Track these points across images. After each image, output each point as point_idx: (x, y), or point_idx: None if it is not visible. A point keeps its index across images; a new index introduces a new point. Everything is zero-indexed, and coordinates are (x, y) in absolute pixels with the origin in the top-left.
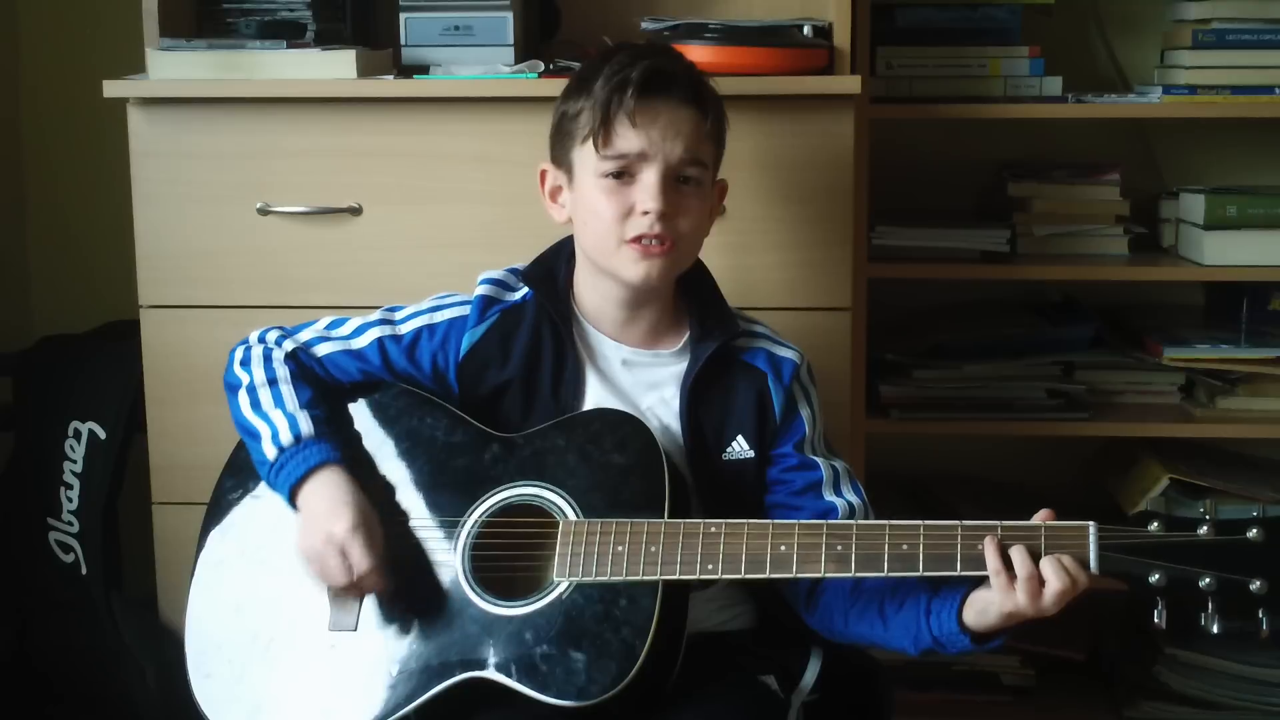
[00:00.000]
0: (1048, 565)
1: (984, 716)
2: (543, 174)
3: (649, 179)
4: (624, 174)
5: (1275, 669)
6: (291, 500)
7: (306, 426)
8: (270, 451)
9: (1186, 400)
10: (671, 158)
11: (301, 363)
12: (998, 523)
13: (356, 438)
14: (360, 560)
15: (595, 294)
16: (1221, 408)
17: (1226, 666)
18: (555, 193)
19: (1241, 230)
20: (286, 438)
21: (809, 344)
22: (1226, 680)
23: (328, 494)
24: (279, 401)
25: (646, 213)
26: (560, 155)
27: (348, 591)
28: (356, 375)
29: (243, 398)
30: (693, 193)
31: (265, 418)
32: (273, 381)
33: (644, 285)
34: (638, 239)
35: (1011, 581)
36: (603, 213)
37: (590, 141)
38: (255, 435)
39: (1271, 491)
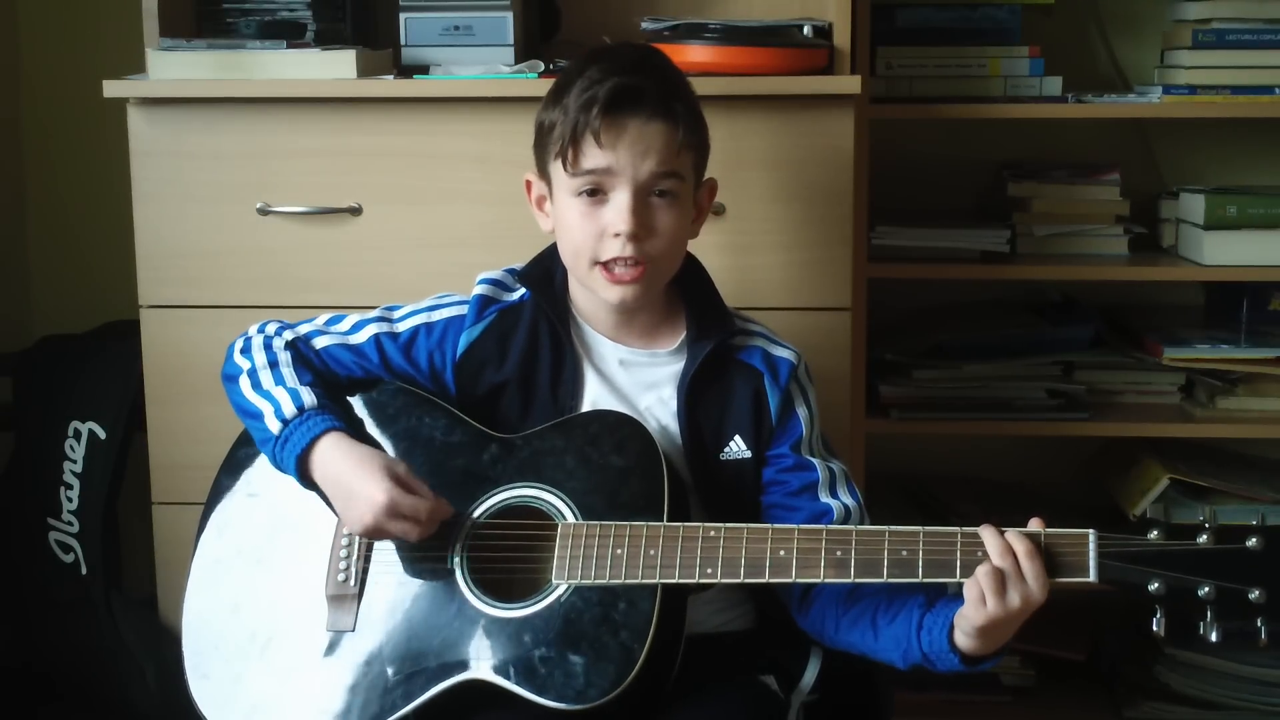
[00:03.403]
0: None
1: (984, 716)
2: (528, 184)
3: (619, 200)
4: (596, 191)
5: (1275, 669)
6: (301, 474)
7: (310, 398)
8: (274, 426)
9: (1186, 400)
10: (641, 175)
11: (300, 352)
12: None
13: (356, 425)
14: (416, 509)
15: (588, 298)
16: (1221, 408)
17: (1226, 667)
18: (540, 202)
19: (1241, 230)
20: (290, 410)
21: (809, 344)
22: (1226, 680)
23: (344, 463)
24: (280, 380)
25: (618, 235)
26: (541, 167)
27: (427, 533)
28: (354, 370)
29: (244, 381)
30: (667, 206)
31: (267, 395)
32: (274, 364)
33: (621, 308)
34: (611, 262)
35: (982, 597)
36: (576, 232)
37: (560, 157)
38: (258, 415)
39: (1272, 492)
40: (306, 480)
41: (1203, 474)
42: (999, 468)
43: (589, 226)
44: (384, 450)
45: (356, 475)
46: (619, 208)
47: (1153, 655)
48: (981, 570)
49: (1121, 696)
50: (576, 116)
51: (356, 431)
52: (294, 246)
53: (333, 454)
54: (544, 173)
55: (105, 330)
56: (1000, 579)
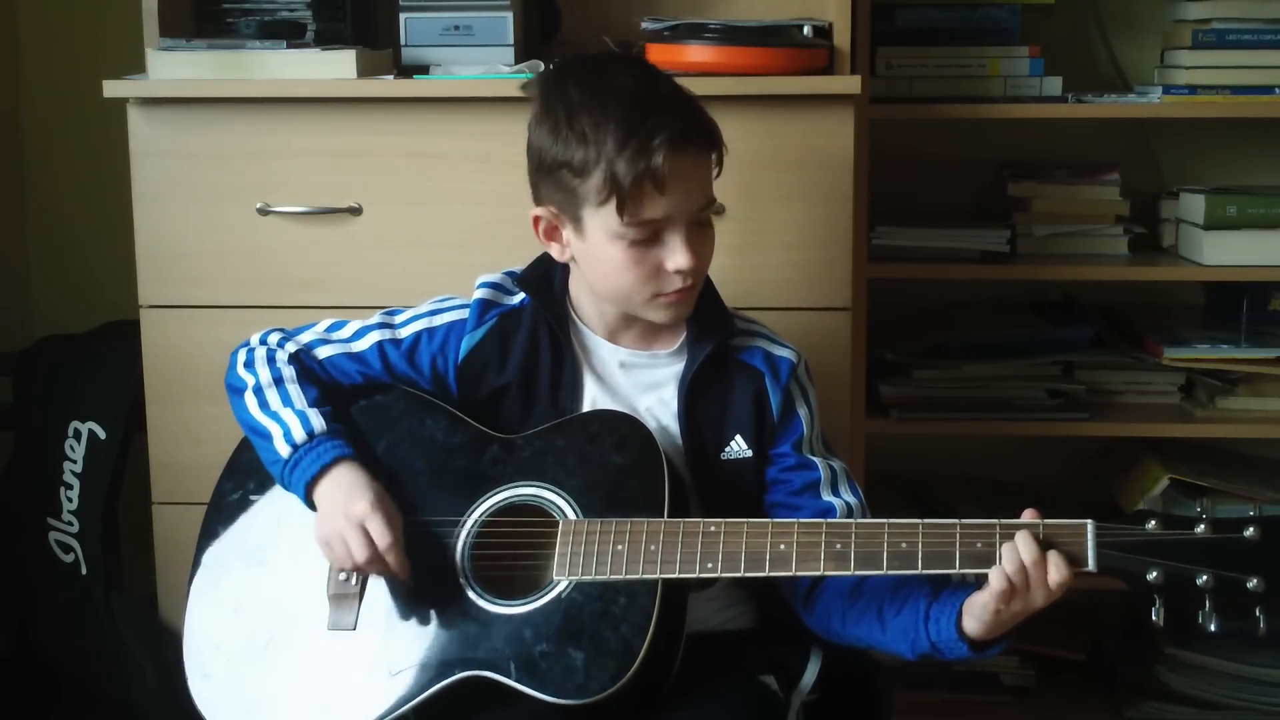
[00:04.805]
0: (1051, 556)
1: (984, 716)
2: (536, 219)
3: (675, 239)
4: (651, 235)
5: (1275, 669)
6: (307, 497)
7: (319, 423)
8: (283, 450)
9: (1186, 400)
10: (692, 209)
11: (304, 364)
12: (996, 521)
13: (359, 436)
14: (381, 534)
15: (594, 302)
16: (1221, 408)
17: (1226, 666)
18: (551, 231)
19: (1241, 230)
20: (300, 435)
21: (809, 344)
22: (1226, 680)
23: (344, 484)
24: (287, 400)
25: (678, 271)
26: (561, 204)
27: (371, 568)
28: (357, 378)
29: (250, 399)
30: (707, 228)
31: (275, 417)
32: (279, 381)
33: (672, 325)
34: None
35: (1013, 589)
36: (628, 275)
37: (609, 205)
38: (266, 435)
39: (1271, 491)
40: (311, 503)
41: (1203, 474)
42: (999, 468)
43: (642, 268)
44: (386, 452)
45: (348, 494)
46: (677, 247)
47: (1153, 655)
48: (1010, 567)
49: (1121, 696)
50: (632, 170)
51: (360, 442)
52: (294, 246)
53: (337, 481)
54: (566, 211)
55: (105, 330)
56: (1026, 580)
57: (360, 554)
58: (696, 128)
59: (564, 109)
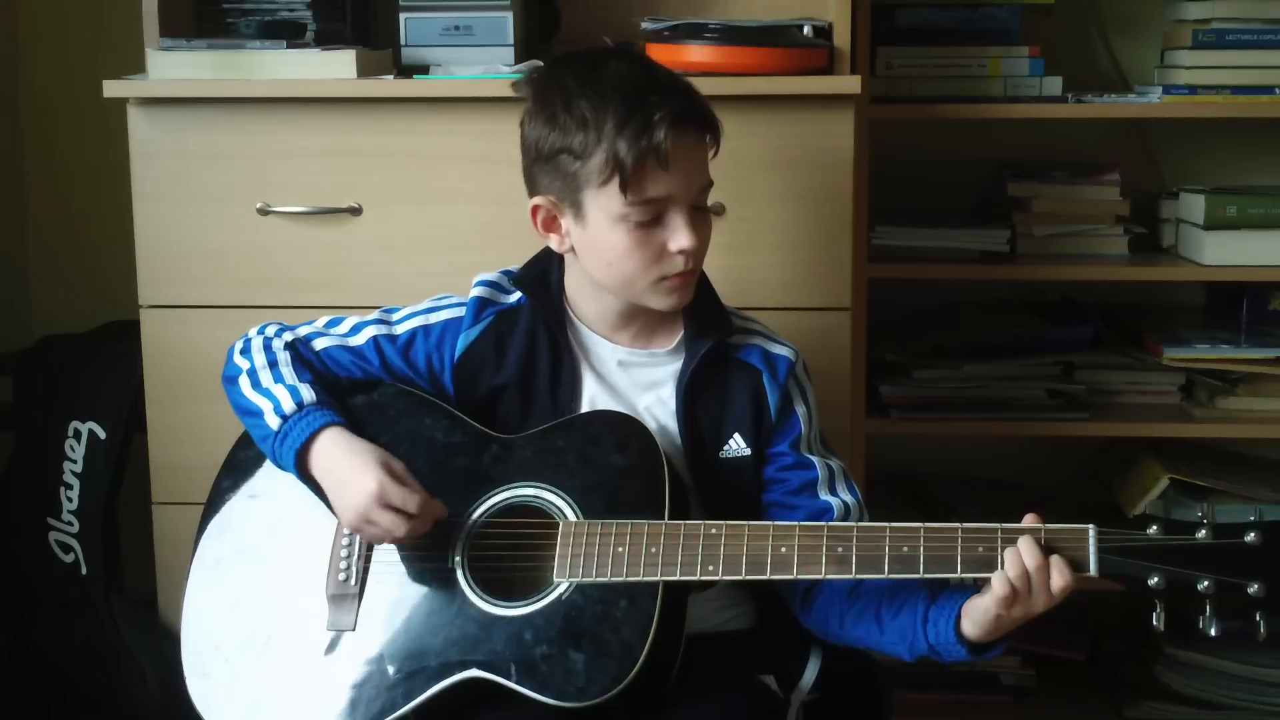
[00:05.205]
0: (1054, 561)
1: (984, 716)
2: (535, 209)
3: (677, 220)
4: (654, 216)
5: (1275, 669)
6: (300, 471)
7: (309, 395)
8: (273, 422)
9: (1186, 400)
10: (692, 191)
11: (299, 353)
12: (998, 525)
13: (358, 430)
14: (405, 500)
15: (592, 300)
16: (1221, 408)
17: (1226, 666)
18: (550, 223)
19: (1241, 230)
20: (289, 406)
21: (809, 344)
22: (1226, 680)
23: (340, 455)
24: (279, 378)
25: (682, 252)
26: (561, 191)
27: (417, 533)
28: (354, 371)
29: (243, 381)
30: (705, 212)
31: (266, 393)
32: (273, 364)
33: (674, 311)
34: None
35: (1015, 594)
36: (633, 257)
37: (611, 186)
38: (257, 413)
39: (1271, 491)
40: (305, 476)
41: (1203, 474)
42: (999, 468)
43: (645, 251)
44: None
45: (350, 465)
46: (679, 227)
47: (1153, 655)
48: (1013, 572)
49: (1121, 696)
50: (636, 148)
51: (356, 428)
52: (294, 246)
53: (330, 448)
54: (566, 198)
55: (105, 330)
56: (1028, 585)
57: (399, 529)
58: (695, 108)
59: (561, 98)
